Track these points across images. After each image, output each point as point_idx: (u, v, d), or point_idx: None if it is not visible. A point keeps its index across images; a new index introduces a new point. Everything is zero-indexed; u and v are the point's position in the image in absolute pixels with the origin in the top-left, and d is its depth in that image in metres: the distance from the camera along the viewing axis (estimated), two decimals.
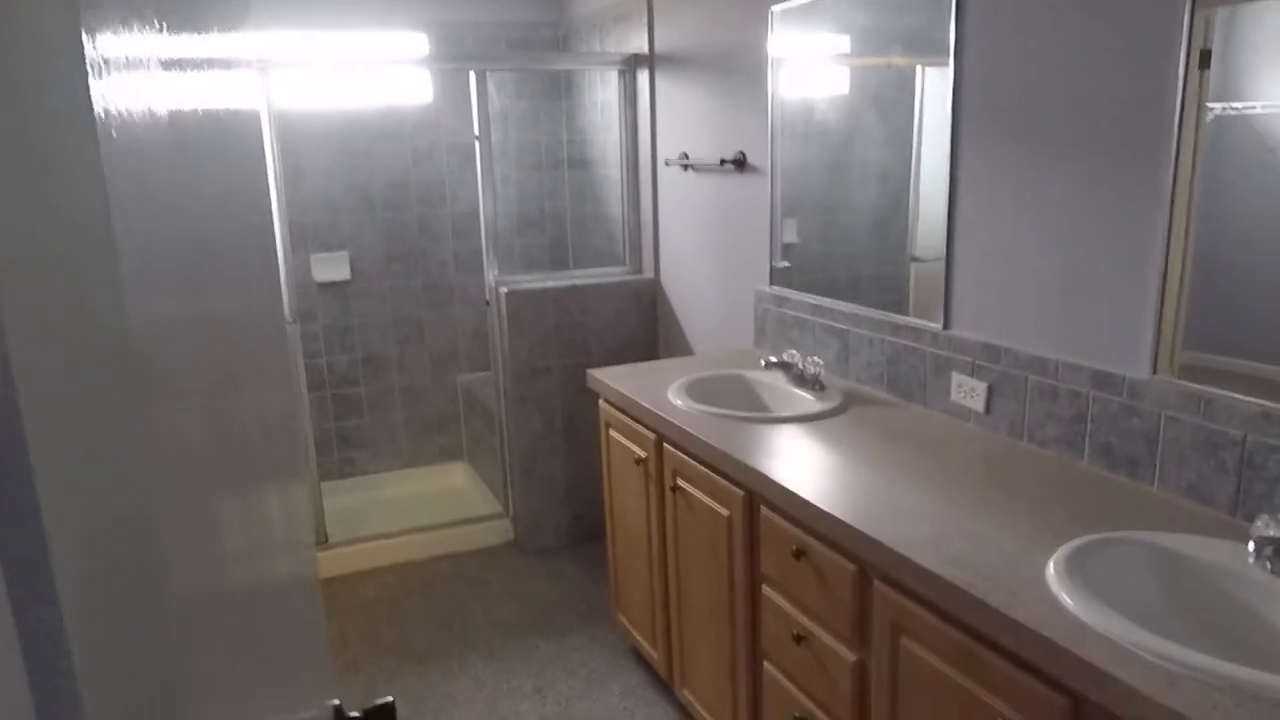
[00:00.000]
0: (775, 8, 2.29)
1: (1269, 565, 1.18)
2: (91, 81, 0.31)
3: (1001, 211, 1.73)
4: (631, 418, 2.19)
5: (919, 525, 1.38)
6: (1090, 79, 1.52)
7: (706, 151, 2.70)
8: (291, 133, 3.34)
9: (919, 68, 1.90)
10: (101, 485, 0.31)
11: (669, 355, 3.10)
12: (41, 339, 0.26)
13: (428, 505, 3.43)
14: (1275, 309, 1.31)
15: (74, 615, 0.26)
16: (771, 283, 2.46)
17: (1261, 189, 1.30)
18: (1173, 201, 1.41)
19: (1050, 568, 1.21)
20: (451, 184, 3.61)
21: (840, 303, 2.19)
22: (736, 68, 2.52)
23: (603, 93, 3.39)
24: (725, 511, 1.80)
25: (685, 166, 2.83)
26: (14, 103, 0.26)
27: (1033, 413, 1.69)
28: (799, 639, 1.60)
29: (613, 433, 2.33)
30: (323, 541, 3.00)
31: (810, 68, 2.23)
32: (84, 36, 0.30)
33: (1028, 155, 1.65)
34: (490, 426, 3.33)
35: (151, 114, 0.41)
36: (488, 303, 3.09)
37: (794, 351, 2.19)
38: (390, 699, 0.93)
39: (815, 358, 2.13)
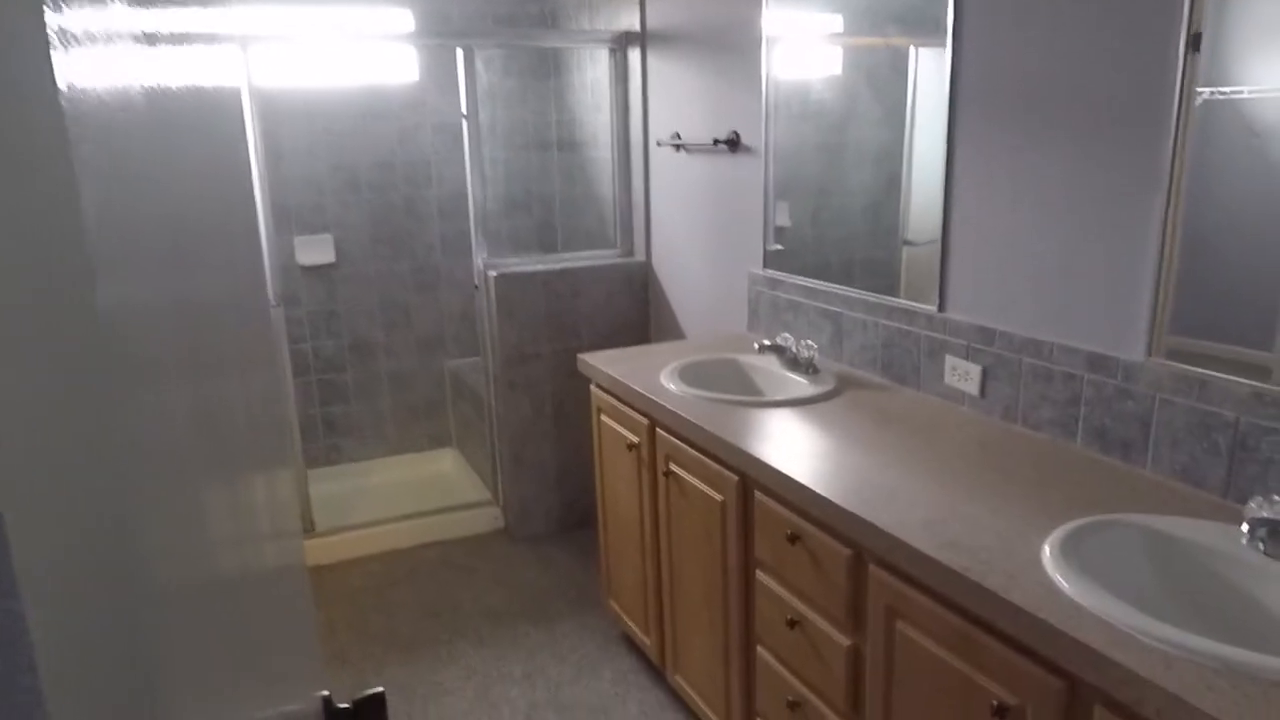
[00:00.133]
0: None
1: (1262, 546, 1.18)
2: (55, 55, 0.29)
3: (998, 193, 1.71)
4: (623, 402, 2.17)
5: (914, 509, 1.37)
6: (1088, 61, 1.50)
7: (699, 132, 2.66)
8: (274, 111, 3.27)
9: (912, 48, 1.88)
10: (68, 474, 0.29)
11: (661, 339, 3.08)
12: (1, 323, 0.24)
13: (416, 492, 3.41)
14: (1259, 294, 1.31)
15: (38, 607, 0.24)
16: (765, 265, 2.44)
17: (1247, 175, 1.30)
18: (1171, 182, 1.40)
19: (1046, 551, 1.21)
20: (438, 165, 3.56)
21: (834, 285, 2.18)
22: (730, 46, 2.48)
23: (593, 71, 3.34)
24: (719, 496, 1.79)
25: (677, 147, 2.79)
26: None
27: (1027, 396, 1.68)
28: (793, 624, 1.60)
29: (604, 418, 2.31)
30: (309, 529, 2.97)
31: (804, 47, 2.20)
32: (45, 8, 0.28)
33: (1024, 137, 1.64)
34: (479, 412, 3.30)
35: (124, 90, 0.39)
36: (476, 286, 3.05)
37: (787, 335, 2.17)
38: (380, 689, 0.91)
39: (809, 341, 2.11)
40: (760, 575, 1.70)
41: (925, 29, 1.82)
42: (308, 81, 3.33)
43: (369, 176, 3.48)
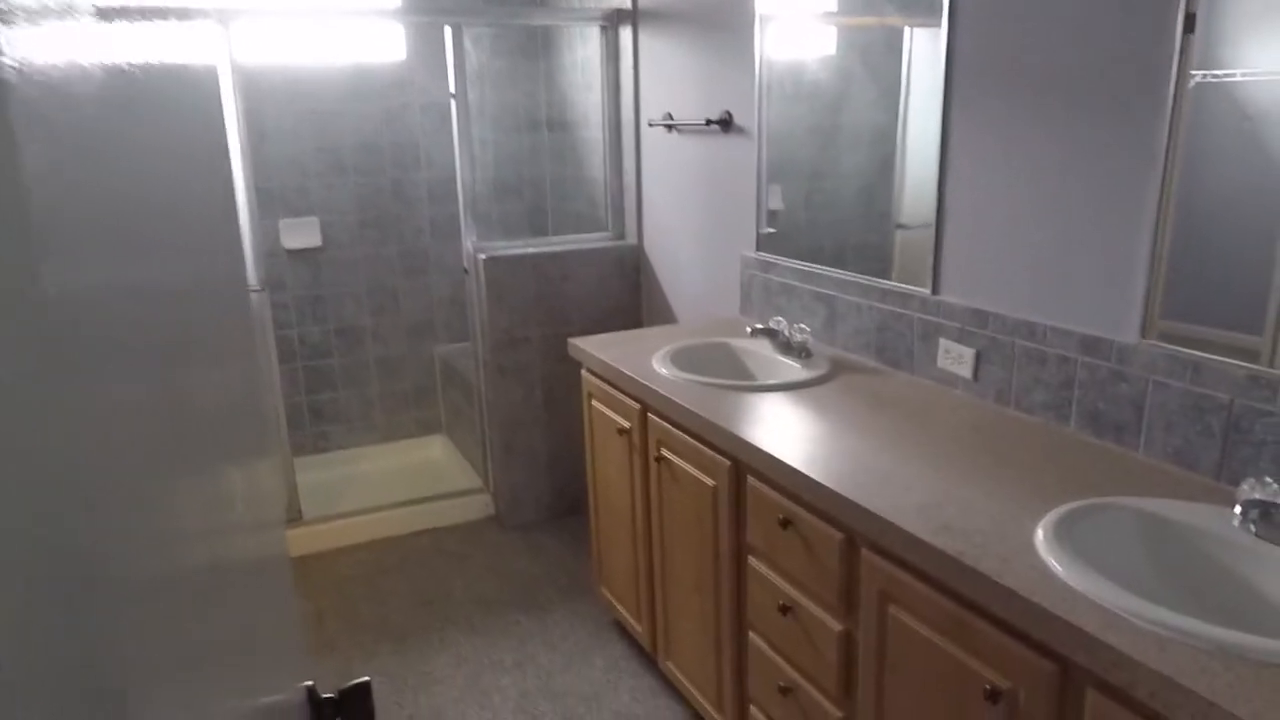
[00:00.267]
0: None
1: (1254, 529, 1.18)
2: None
3: (992, 174, 1.69)
4: (615, 387, 2.15)
5: (907, 493, 1.36)
6: (1084, 42, 1.48)
7: (691, 112, 2.63)
8: (256, 90, 3.21)
9: (907, 28, 1.85)
10: (8, 466, 0.27)
11: (652, 323, 3.05)
12: None
13: (405, 480, 3.39)
14: (1250, 279, 1.30)
15: None
16: (758, 248, 2.42)
17: (1239, 159, 1.29)
18: (1166, 165, 1.38)
19: (1039, 534, 1.20)
20: (426, 146, 3.51)
21: (827, 268, 2.16)
22: (722, 24, 2.44)
23: (583, 50, 3.28)
24: (711, 481, 1.77)
25: (669, 127, 2.76)
26: None
27: (1020, 379, 1.67)
28: (785, 609, 1.59)
29: (595, 403, 2.29)
30: (296, 518, 2.94)
31: (798, 26, 2.17)
32: None
33: (1020, 119, 1.62)
34: (469, 399, 3.28)
35: (76, 67, 0.37)
36: (465, 270, 3.02)
37: (780, 319, 2.15)
38: (366, 679, 0.90)
39: (802, 325, 2.10)
40: (752, 561, 1.69)
41: (920, 9, 1.79)
42: (291, 60, 3.26)
43: (355, 158, 3.42)
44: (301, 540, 2.94)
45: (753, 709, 1.77)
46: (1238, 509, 1.20)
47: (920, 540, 1.23)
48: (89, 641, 0.32)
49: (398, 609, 2.62)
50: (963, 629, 1.19)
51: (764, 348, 2.15)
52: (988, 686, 1.15)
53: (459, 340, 3.68)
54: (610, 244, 3.07)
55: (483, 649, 2.41)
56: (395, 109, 3.44)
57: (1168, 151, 1.38)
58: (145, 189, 0.48)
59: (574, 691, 2.23)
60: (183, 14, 0.65)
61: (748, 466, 1.65)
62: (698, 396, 1.84)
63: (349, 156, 3.42)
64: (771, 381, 1.92)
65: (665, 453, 1.95)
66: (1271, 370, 1.28)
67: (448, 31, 2.76)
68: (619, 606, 2.35)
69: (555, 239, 3.10)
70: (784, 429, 1.65)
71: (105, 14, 0.42)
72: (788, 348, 2.09)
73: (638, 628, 2.25)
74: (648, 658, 2.31)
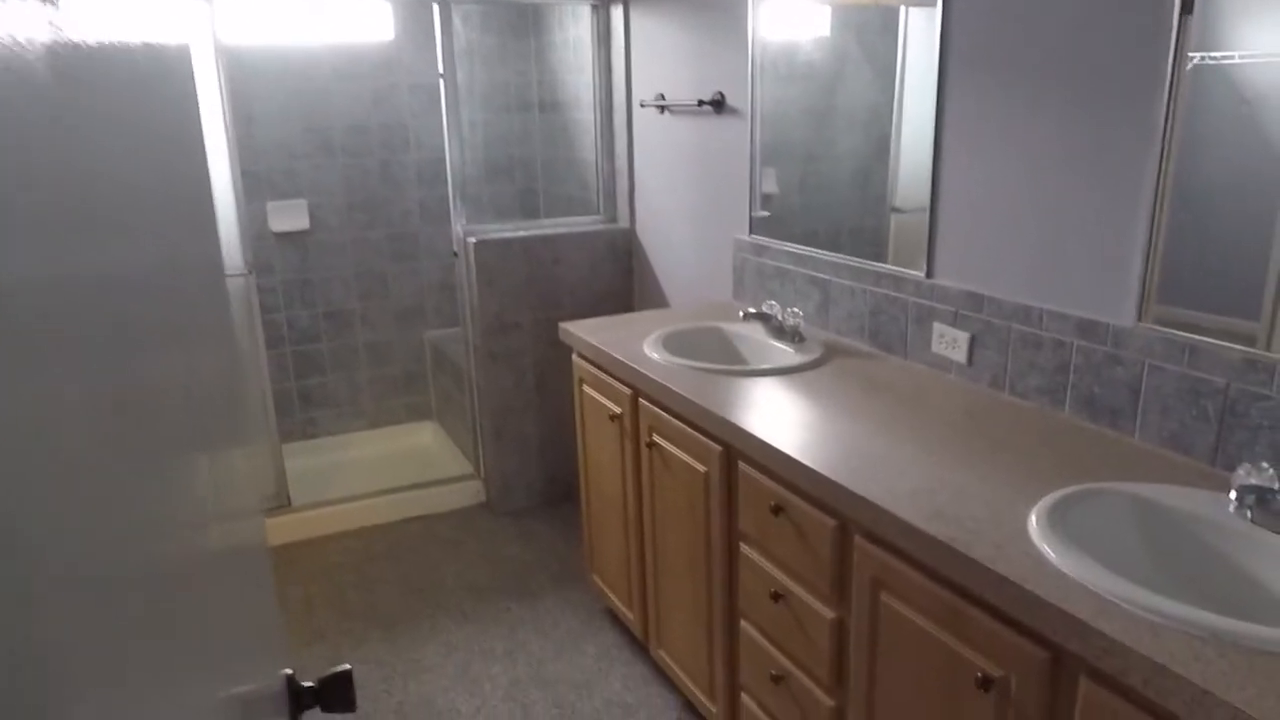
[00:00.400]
0: None
1: (1249, 514, 1.17)
2: None
3: (988, 156, 1.66)
4: (606, 372, 2.13)
5: (900, 479, 1.34)
6: (1081, 21, 1.45)
7: (683, 92, 2.59)
8: (242, 70, 3.15)
9: (902, 8, 1.81)
10: None
11: (645, 307, 3.02)
12: None
13: (395, 466, 3.36)
14: (1246, 264, 1.29)
15: None
16: (751, 231, 2.39)
17: (1237, 142, 1.27)
18: (1163, 147, 1.36)
19: (1032, 520, 1.19)
20: (415, 128, 3.46)
21: (821, 251, 2.13)
22: (715, 3, 2.40)
23: (574, 29, 3.23)
24: (702, 468, 1.75)
25: (661, 108, 2.72)
26: None
27: (1015, 363, 1.65)
28: (777, 597, 1.57)
29: (586, 388, 2.26)
30: (285, 505, 2.92)
31: (791, 5, 2.13)
32: None
33: (1016, 100, 1.59)
34: (459, 384, 3.25)
35: (15, 44, 0.34)
36: (455, 254, 2.98)
37: (773, 302, 2.13)
38: (347, 667, 0.88)
39: (795, 309, 2.07)
40: (744, 548, 1.67)
41: None
42: (278, 39, 3.20)
43: (343, 140, 3.37)
44: (290, 527, 2.91)
45: (744, 697, 1.76)
46: (1233, 494, 1.18)
47: (913, 527, 1.21)
48: (20, 641, 0.30)
49: (387, 596, 2.61)
50: (955, 616, 1.18)
51: (756, 332, 2.13)
52: (979, 674, 1.14)
53: (449, 325, 3.64)
54: (602, 227, 3.04)
55: (473, 636, 2.40)
56: (384, 89, 3.38)
57: (1165, 134, 1.36)
58: (97, 172, 0.45)
59: (565, 679, 2.22)
60: None
61: (739, 452, 1.63)
62: (689, 381, 1.82)
63: (337, 138, 3.36)
64: (764, 366, 1.89)
65: (656, 438, 1.93)
66: (1268, 354, 1.26)
67: (436, 9, 2.71)
68: (610, 594, 2.33)
69: (546, 222, 3.07)
70: (776, 414, 1.63)
71: None
72: (780, 332, 2.07)
73: (629, 615, 2.24)
74: (639, 645, 2.30)
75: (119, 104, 0.50)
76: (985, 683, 1.13)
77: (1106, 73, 1.43)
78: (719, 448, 1.68)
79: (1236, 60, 1.24)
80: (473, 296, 2.90)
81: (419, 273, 3.59)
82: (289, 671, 0.89)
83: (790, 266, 2.24)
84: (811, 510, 1.45)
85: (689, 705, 2.10)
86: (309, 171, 3.35)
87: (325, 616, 2.52)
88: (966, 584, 1.14)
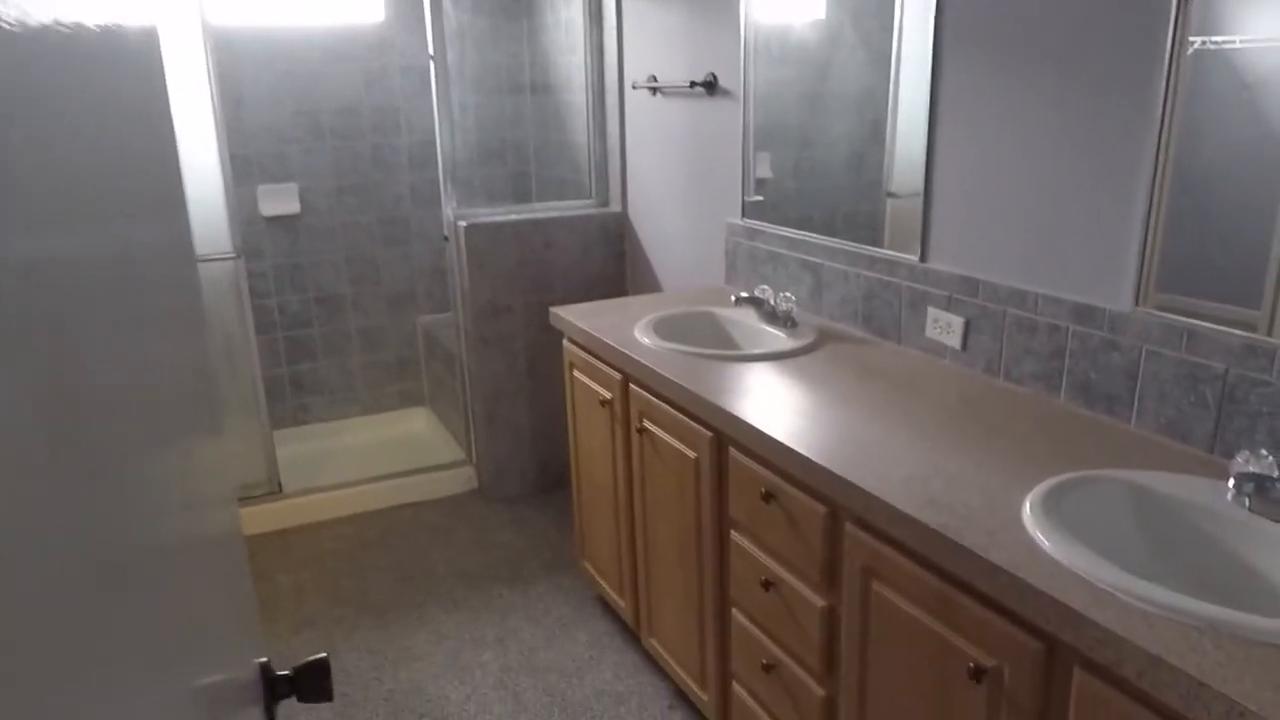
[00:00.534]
0: None
1: (1248, 502, 1.14)
2: None
3: (984, 139, 1.63)
4: (596, 357, 2.10)
5: (892, 465, 1.32)
6: (1080, 4, 1.41)
7: (676, 74, 2.54)
8: (231, 52, 3.10)
9: None
10: None
11: (637, 292, 2.99)
12: None
13: (388, 453, 3.34)
14: (1247, 251, 1.26)
15: None
16: (744, 215, 2.35)
17: (1237, 129, 1.25)
18: (1161, 130, 1.33)
19: (1026, 507, 1.17)
20: (407, 111, 3.41)
21: (814, 235, 2.10)
22: None
23: (566, 10, 3.18)
24: (692, 454, 1.73)
25: (654, 90, 2.67)
26: None
27: (1010, 348, 1.63)
28: (767, 585, 1.56)
29: (577, 373, 2.24)
30: (276, 491, 2.89)
31: None
32: None
33: (1012, 81, 1.55)
34: (452, 370, 3.22)
35: None
36: (446, 237, 2.94)
37: (765, 287, 2.10)
38: (323, 655, 0.86)
39: (787, 293, 2.04)
40: (735, 535, 1.65)
41: None
42: (267, 20, 3.15)
43: (334, 122, 3.32)
44: (281, 514, 2.89)
45: (736, 686, 1.75)
46: (1231, 482, 1.16)
47: (904, 514, 1.19)
48: None
49: (379, 583, 2.59)
50: (947, 605, 1.16)
51: (749, 317, 2.10)
52: (972, 664, 1.12)
53: (442, 310, 3.61)
54: (594, 211, 3.00)
55: (464, 624, 2.38)
56: (374, 71, 3.33)
57: (1163, 118, 1.33)
58: (48, 155, 0.42)
59: (556, 667, 2.20)
60: None
61: (730, 438, 1.60)
62: (680, 366, 1.79)
63: (327, 120, 3.32)
64: (755, 351, 1.87)
65: (647, 424, 1.90)
66: (1269, 339, 1.24)
67: None
68: (602, 582, 2.31)
69: (538, 205, 3.03)
70: (767, 400, 1.60)
71: None
72: (773, 317, 2.04)
73: (620, 603, 2.22)
74: (631, 633, 2.28)
75: (68, 84, 0.47)
76: (978, 673, 1.11)
77: (1104, 55, 1.40)
78: (709, 434, 1.66)
79: (1238, 45, 1.22)
80: (464, 281, 2.86)
81: (411, 257, 3.56)
82: (264, 660, 0.87)
83: (783, 251, 2.21)
84: (802, 497, 1.43)
85: (680, 694, 2.08)
86: (299, 155, 3.31)
87: (316, 603, 2.50)
88: (959, 572, 1.12)
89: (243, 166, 3.20)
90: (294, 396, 3.50)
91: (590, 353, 2.13)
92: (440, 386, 3.50)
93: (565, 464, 3.09)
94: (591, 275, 3.00)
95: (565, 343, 2.27)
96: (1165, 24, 1.30)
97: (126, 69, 0.62)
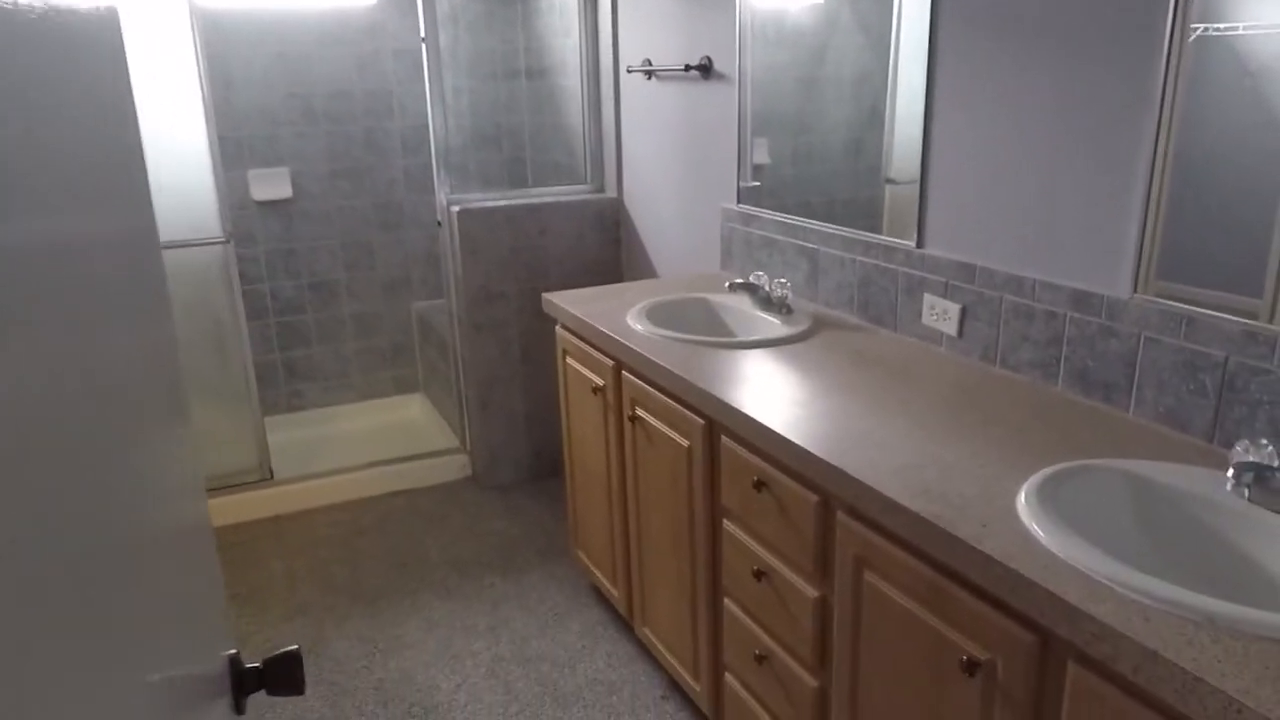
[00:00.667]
0: None
1: (1247, 492, 1.12)
2: None
3: (981, 124, 1.60)
4: (589, 344, 2.07)
5: (886, 454, 1.30)
6: None
7: (671, 57, 2.50)
8: (220, 33, 3.05)
9: None
10: None
11: (633, 278, 2.96)
12: None
13: (381, 439, 3.32)
14: (1249, 239, 1.24)
15: None
16: (739, 200, 2.32)
17: (1239, 116, 1.23)
18: (1161, 115, 1.30)
19: (1021, 497, 1.14)
20: (400, 95, 3.36)
21: (809, 221, 2.07)
22: None
23: None
24: (684, 442, 1.71)
25: (649, 74, 2.63)
26: None
27: (1007, 336, 1.60)
28: (760, 575, 1.54)
29: (569, 360, 2.21)
30: (267, 478, 2.88)
31: None
32: None
33: (1009, 64, 1.51)
34: (446, 356, 3.19)
35: None
36: (439, 223, 2.91)
37: (760, 273, 2.07)
38: (294, 648, 0.84)
39: (782, 279, 2.01)
40: (727, 524, 1.63)
41: None
42: (257, 1, 3.10)
43: (326, 106, 3.28)
44: (273, 500, 2.88)
45: (728, 676, 1.73)
46: (1231, 472, 1.14)
47: (895, 503, 1.16)
48: None
49: (371, 571, 2.57)
50: (940, 597, 1.14)
51: (743, 303, 2.07)
52: (965, 657, 1.10)
53: (436, 296, 3.58)
54: (589, 196, 2.96)
55: (457, 612, 2.37)
56: (367, 55, 3.29)
57: (1163, 105, 1.31)
58: None
59: (548, 657, 2.19)
60: None
61: (722, 426, 1.58)
62: (672, 353, 1.77)
63: (320, 104, 3.27)
64: (750, 338, 1.84)
65: (639, 412, 1.88)
66: (1269, 326, 1.21)
67: None
68: (595, 571, 2.30)
69: (532, 191, 2.99)
70: (760, 387, 1.58)
71: None
72: (768, 303, 2.01)
73: (614, 592, 2.20)
74: (624, 623, 2.27)
75: (18, 65, 0.45)
76: (971, 666, 1.09)
77: (1104, 40, 1.36)
78: (701, 421, 1.63)
79: (1241, 31, 1.20)
80: (457, 267, 2.83)
81: (405, 243, 3.52)
82: (232, 652, 0.85)
83: (779, 236, 2.18)
84: (794, 485, 1.40)
85: (673, 684, 2.07)
86: (291, 139, 3.27)
87: (308, 591, 2.49)
88: (952, 563, 1.10)
89: (233, 150, 3.16)
90: (287, 382, 3.48)
91: (583, 339, 2.10)
92: (435, 373, 3.47)
93: (559, 452, 3.07)
94: (586, 261, 2.97)
95: (558, 329, 2.24)
96: (1165, 9, 1.27)
97: (81, 53, 0.60)
